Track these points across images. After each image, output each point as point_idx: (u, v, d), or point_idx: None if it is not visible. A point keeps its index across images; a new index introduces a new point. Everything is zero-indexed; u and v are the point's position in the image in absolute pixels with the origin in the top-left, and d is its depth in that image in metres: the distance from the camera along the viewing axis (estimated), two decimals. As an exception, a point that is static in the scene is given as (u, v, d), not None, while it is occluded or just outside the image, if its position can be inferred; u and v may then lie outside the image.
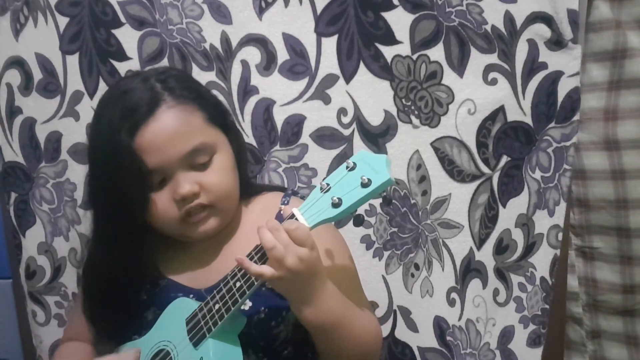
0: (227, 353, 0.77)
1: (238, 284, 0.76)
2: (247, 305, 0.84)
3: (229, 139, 0.90)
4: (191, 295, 0.87)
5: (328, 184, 0.74)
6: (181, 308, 0.83)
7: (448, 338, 1.14)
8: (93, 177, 0.88)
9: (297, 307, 0.78)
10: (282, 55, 1.10)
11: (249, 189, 0.96)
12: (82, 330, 0.95)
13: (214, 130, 0.87)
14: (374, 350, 0.90)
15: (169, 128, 0.81)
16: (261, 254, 0.75)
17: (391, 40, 1.07)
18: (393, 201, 1.12)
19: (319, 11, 1.08)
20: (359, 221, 0.76)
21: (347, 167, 0.73)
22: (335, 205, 0.71)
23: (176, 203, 0.83)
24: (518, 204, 1.13)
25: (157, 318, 0.86)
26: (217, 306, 0.77)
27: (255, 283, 0.75)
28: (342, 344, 0.82)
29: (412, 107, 1.10)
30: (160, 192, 0.84)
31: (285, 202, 0.93)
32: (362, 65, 1.09)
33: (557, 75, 1.07)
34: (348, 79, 1.09)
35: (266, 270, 0.73)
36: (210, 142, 0.85)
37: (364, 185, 0.70)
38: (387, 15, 1.06)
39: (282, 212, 0.91)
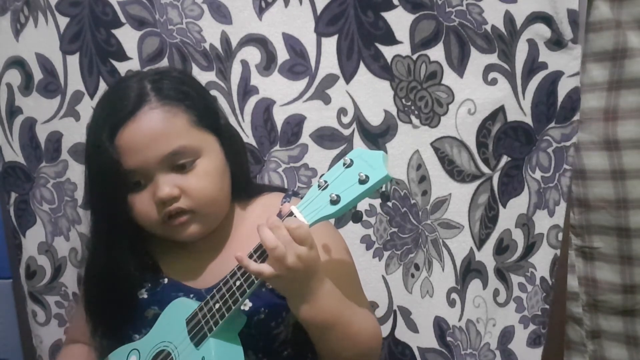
0: (229, 352, 0.77)
1: (238, 283, 0.76)
2: (247, 305, 0.84)
3: (222, 143, 0.88)
4: (192, 295, 0.87)
5: (326, 181, 0.73)
6: (181, 308, 0.83)
7: (448, 338, 1.14)
8: (86, 175, 0.88)
9: (294, 304, 0.78)
10: (282, 55, 1.10)
11: (249, 190, 0.96)
12: (85, 331, 0.95)
13: (200, 134, 0.85)
14: (373, 350, 0.89)
15: (147, 130, 0.81)
16: (261, 252, 0.75)
17: (391, 40, 1.07)
18: (393, 201, 1.12)
19: (319, 11, 1.08)
20: (357, 218, 0.76)
21: (344, 164, 0.73)
22: (334, 202, 0.71)
23: (156, 205, 0.83)
24: (518, 204, 1.13)
25: (158, 317, 0.86)
26: (217, 305, 0.77)
27: (255, 281, 0.75)
28: (340, 343, 0.82)
29: (412, 107, 1.10)
30: (142, 193, 0.84)
31: (286, 202, 0.93)
32: (362, 65, 1.09)
33: (557, 75, 1.07)
34: (348, 79, 1.09)
35: (265, 268, 0.73)
36: (194, 145, 0.84)
37: (362, 181, 0.70)
38: (387, 15, 1.07)
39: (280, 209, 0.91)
